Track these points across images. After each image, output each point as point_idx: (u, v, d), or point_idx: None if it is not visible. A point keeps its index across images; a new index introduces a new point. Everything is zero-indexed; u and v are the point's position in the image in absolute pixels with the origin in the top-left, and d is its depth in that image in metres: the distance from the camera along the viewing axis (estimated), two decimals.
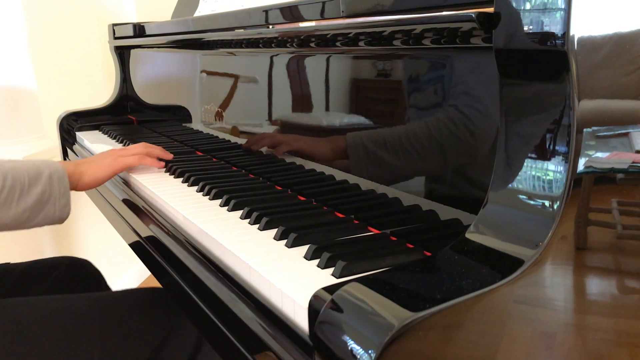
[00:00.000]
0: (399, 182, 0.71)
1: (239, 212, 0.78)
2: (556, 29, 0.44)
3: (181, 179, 1.00)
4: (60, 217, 0.90)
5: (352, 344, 0.41)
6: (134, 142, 1.18)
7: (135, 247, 0.97)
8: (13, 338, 0.82)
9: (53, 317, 0.86)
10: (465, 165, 0.62)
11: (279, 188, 0.90)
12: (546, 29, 0.45)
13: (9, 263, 1.16)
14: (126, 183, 1.08)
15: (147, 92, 1.62)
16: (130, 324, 0.91)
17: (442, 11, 0.60)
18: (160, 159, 1.09)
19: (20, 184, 0.84)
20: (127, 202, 1.00)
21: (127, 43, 1.61)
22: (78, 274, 1.16)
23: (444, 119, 0.64)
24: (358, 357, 0.41)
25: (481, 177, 0.59)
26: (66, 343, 0.84)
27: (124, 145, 1.35)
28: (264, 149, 1.00)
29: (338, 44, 0.78)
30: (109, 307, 0.92)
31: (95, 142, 1.42)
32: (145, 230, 0.90)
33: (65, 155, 1.61)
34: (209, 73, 1.21)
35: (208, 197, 0.88)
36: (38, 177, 0.86)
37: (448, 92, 0.63)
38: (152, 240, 0.87)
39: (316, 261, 0.60)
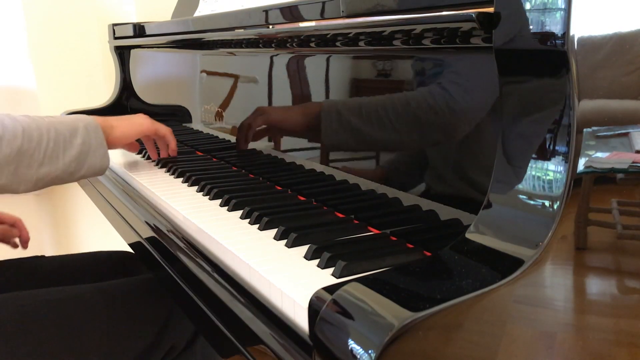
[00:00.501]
0: (396, 179, 0.71)
1: (239, 212, 0.78)
2: (556, 29, 0.44)
3: (181, 179, 1.00)
4: (101, 167, 0.92)
5: (352, 344, 0.41)
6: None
7: (135, 247, 0.97)
8: (18, 329, 0.82)
9: (59, 307, 0.87)
10: (466, 165, 0.62)
11: (279, 188, 0.90)
12: (546, 29, 0.45)
13: (43, 256, 1.15)
14: (126, 183, 1.08)
15: (147, 92, 1.62)
16: (135, 308, 0.92)
17: (442, 11, 0.60)
18: (159, 154, 1.16)
19: (63, 135, 0.86)
20: (130, 205, 1.00)
21: (127, 43, 1.61)
22: (121, 268, 1.15)
23: (444, 115, 0.64)
24: (358, 357, 0.41)
25: (481, 177, 0.59)
26: (72, 331, 0.84)
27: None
28: (263, 149, 1.00)
29: (338, 44, 0.77)
30: (114, 293, 0.93)
31: None
32: (145, 231, 0.90)
33: None
34: (209, 73, 1.21)
35: (208, 197, 0.88)
36: (75, 130, 0.88)
37: (449, 91, 0.63)
38: (152, 240, 0.87)
39: (316, 261, 0.60)
